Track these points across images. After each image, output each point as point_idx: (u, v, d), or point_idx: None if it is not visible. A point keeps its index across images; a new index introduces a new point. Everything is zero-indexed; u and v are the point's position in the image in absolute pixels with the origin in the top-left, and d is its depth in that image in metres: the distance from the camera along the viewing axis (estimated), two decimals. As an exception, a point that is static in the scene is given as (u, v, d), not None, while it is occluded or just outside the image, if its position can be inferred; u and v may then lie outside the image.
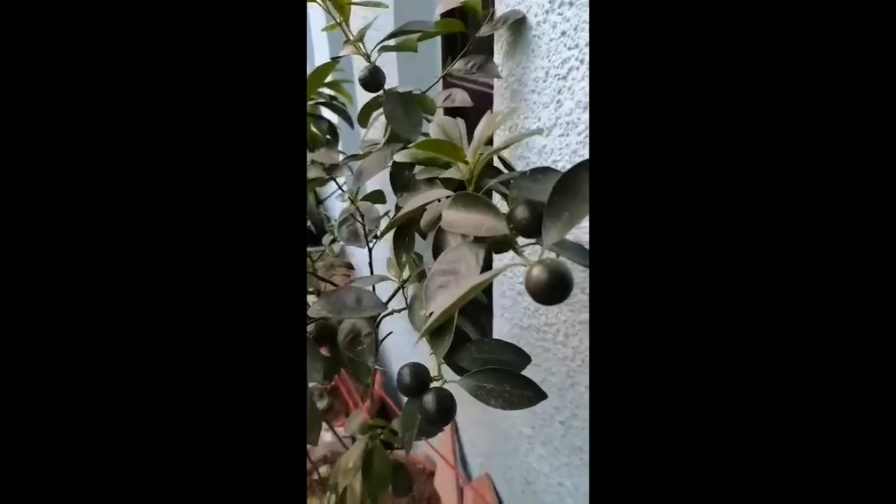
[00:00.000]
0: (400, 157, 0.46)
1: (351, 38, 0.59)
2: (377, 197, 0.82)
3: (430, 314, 0.39)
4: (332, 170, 0.78)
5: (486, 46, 0.84)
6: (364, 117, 0.66)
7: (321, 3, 0.54)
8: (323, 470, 1.45)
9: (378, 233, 0.67)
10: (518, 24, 0.72)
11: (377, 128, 0.75)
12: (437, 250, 0.43)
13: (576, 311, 0.76)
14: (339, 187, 0.82)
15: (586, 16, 0.59)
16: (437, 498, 1.47)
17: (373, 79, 0.60)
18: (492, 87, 0.88)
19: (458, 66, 0.78)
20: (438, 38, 1.38)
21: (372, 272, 0.72)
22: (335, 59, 0.62)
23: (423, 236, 0.55)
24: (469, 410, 1.39)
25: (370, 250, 0.69)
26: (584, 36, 0.60)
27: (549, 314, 0.83)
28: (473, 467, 1.40)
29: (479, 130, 0.46)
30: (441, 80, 0.90)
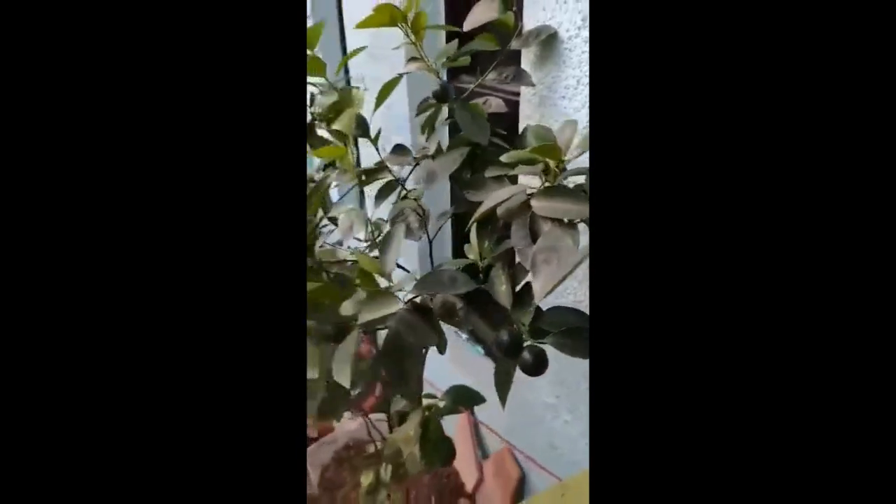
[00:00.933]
0: (506, 157, 0.56)
1: (425, 59, 0.69)
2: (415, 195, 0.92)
3: (539, 285, 0.49)
4: (373, 173, 0.87)
5: (511, 57, 0.94)
6: (425, 127, 0.75)
7: (401, 25, 0.64)
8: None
9: (439, 226, 0.77)
10: (549, 39, 0.83)
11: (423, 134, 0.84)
12: (533, 234, 0.53)
13: (605, 287, 0.87)
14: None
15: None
16: (455, 474, 1.57)
17: (444, 93, 0.70)
18: (517, 94, 0.98)
19: (492, 76, 0.88)
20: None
21: (432, 261, 0.81)
22: (400, 75, 0.72)
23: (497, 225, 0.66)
24: (483, 390, 1.50)
25: (430, 241, 0.79)
26: (618, 52, 0.71)
27: (578, 293, 0.95)
28: (492, 443, 1.51)
29: (564, 136, 0.56)
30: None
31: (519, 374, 0.61)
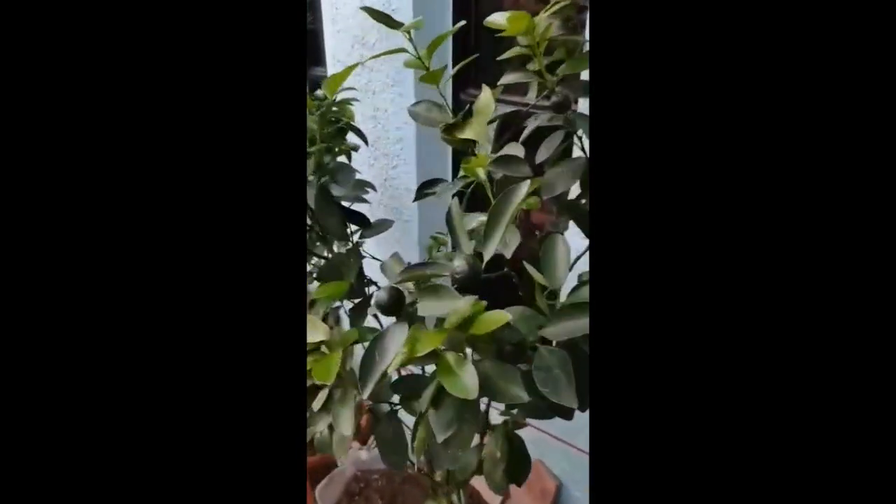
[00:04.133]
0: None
1: (543, 70, 0.70)
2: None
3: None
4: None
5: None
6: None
7: (528, 37, 0.65)
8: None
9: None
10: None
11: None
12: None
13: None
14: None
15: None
16: (477, 493, 1.54)
17: (566, 102, 0.72)
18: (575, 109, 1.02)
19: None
20: (449, 68, 1.49)
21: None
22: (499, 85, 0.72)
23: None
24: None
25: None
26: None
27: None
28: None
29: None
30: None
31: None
